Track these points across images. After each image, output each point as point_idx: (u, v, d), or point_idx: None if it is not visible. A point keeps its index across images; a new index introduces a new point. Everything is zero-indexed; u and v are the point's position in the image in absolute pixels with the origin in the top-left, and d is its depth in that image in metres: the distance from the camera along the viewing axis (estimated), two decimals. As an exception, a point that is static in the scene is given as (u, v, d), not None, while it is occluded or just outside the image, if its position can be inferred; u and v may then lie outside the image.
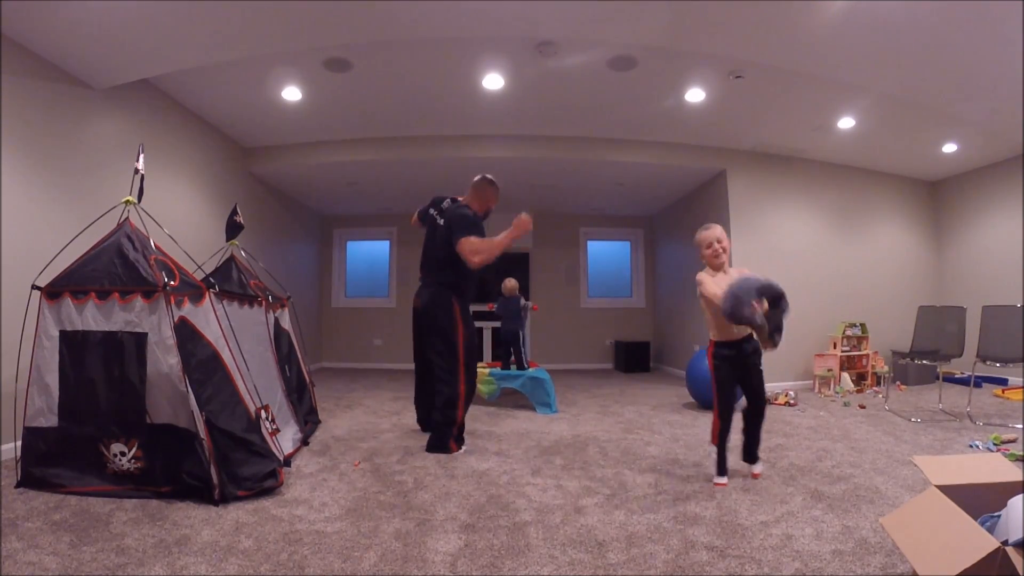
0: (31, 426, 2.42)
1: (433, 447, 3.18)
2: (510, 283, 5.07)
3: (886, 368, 5.52)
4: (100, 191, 3.49)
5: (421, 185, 6.32)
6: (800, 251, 5.86)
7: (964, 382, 5.26)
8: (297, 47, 3.49)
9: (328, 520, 2.14)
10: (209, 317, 2.63)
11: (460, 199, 3.47)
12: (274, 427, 2.81)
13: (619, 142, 5.55)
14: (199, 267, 3.17)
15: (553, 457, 3.10)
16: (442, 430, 3.19)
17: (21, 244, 3.00)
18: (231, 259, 3.61)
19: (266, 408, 2.78)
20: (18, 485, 2.40)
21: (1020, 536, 1.26)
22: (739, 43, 3.34)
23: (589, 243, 8.54)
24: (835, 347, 5.60)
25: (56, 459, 2.40)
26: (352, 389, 5.80)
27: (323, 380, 6.32)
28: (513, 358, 4.98)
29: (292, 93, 4.36)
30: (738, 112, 4.77)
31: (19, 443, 2.46)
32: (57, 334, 2.43)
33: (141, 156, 2.76)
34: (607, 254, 8.70)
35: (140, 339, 2.38)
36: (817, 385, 5.55)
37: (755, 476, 2.66)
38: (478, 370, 4.74)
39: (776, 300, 2.47)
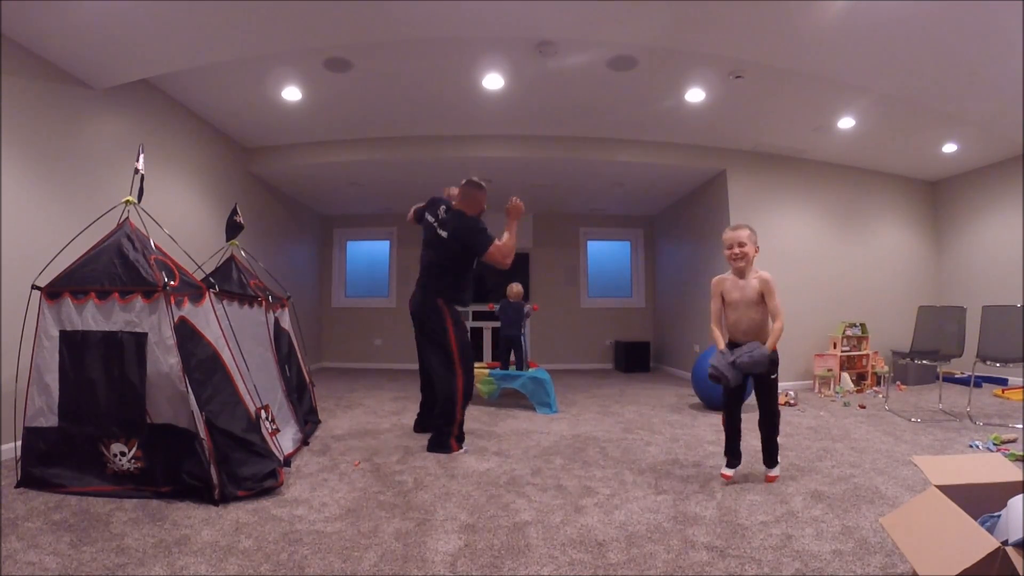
0: (31, 426, 2.42)
1: (434, 447, 3.19)
2: (515, 288, 5.09)
3: (886, 368, 5.53)
4: (100, 191, 3.48)
5: (421, 185, 6.32)
6: (800, 251, 5.86)
7: (964, 382, 5.26)
8: (297, 47, 3.49)
9: (328, 520, 2.14)
10: (209, 317, 2.63)
11: (453, 204, 3.47)
12: (274, 427, 2.81)
13: (619, 142, 5.55)
14: (199, 267, 3.17)
15: (553, 457, 3.10)
16: (442, 429, 3.21)
17: (21, 244, 3.00)
18: (231, 259, 3.61)
19: (266, 408, 2.78)
20: (18, 485, 2.40)
21: (1020, 536, 1.26)
22: (739, 43, 3.34)
23: (589, 243, 8.54)
24: (835, 347, 5.60)
25: (56, 459, 2.40)
26: (352, 389, 5.80)
27: (323, 380, 6.32)
28: (513, 359, 4.99)
29: (292, 93, 4.36)
30: (738, 112, 4.77)
31: (19, 443, 2.46)
32: (57, 334, 2.43)
33: (141, 156, 2.76)
34: (607, 254, 8.70)
35: (140, 339, 2.38)
36: (817, 385, 5.55)
37: (768, 480, 2.62)
38: (478, 370, 4.76)
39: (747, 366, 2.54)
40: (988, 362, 4.03)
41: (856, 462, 2.93)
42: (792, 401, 4.75)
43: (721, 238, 2.74)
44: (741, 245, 2.64)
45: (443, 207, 3.46)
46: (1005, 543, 1.27)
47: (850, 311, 5.86)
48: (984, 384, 5.56)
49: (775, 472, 2.64)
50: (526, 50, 3.72)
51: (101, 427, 2.37)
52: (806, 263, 5.85)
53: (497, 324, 5.53)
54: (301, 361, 3.93)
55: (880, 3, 2.83)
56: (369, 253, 8.52)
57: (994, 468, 1.70)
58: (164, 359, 2.37)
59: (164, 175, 4.22)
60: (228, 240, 3.71)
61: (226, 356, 2.62)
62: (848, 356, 5.58)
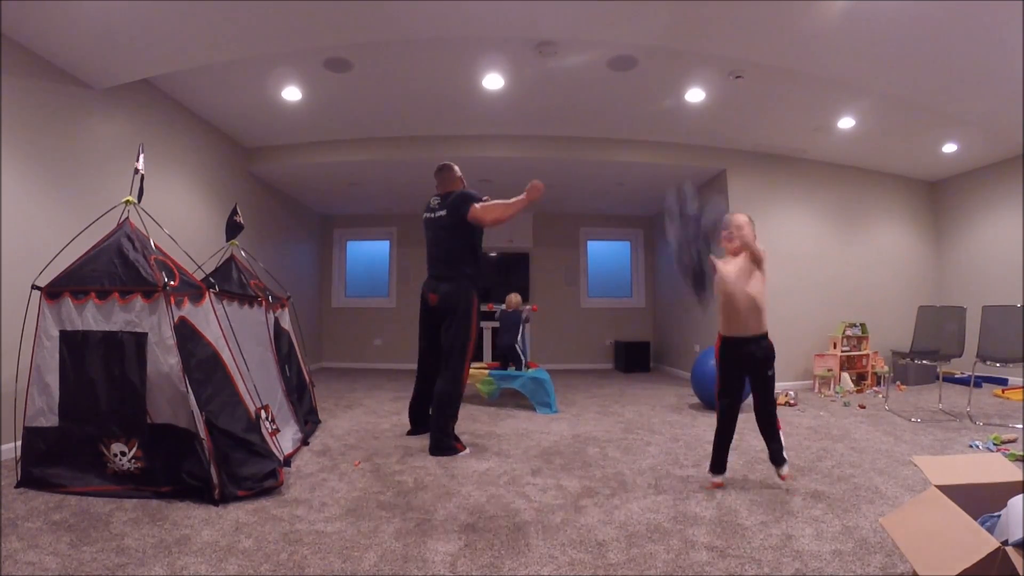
0: (31, 426, 2.42)
1: (437, 450, 3.14)
2: (514, 298, 5.11)
3: (886, 368, 5.52)
4: (100, 191, 3.48)
5: (421, 185, 6.29)
6: (800, 251, 5.86)
7: (964, 382, 5.26)
8: (297, 47, 3.49)
9: (328, 520, 2.14)
10: (209, 317, 2.63)
11: (439, 192, 3.52)
12: (274, 427, 2.81)
13: (619, 142, 5.55)
14: (199, 267, 3.17)
15: (553, 457, 3.10)
16: (444, 429, 3.18)
17: (21, 244, 3.00)
18: (231, 259, 3.62)
19: (266, 408, 2.78)
20: (18, 485, 2.40)
21: (1020, 536, 1.26)
22: (739, 43, 3.34)
23: (589, 243, 8.54)
24: (835, 347, 5.60)
25: (56, 459, 2.40)
26: (352, 389, 5.80)
27: (323, 380, 6.32)
28: (512, 364, 4.99)
29: (292, 93, 4.36)
30: (738, 112, 4.77)
31: (19, 443, 2.46)
32: (57, 334, 2.43)
33: (141, 156, 2.76)
34: (607, 254, 8.70)
35: (140, 339, 2.38)
36: (817, 385, 5.55)
37: (782, 478, 2.54)
38: (479, 370, 4.76)
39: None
40: (988, 362, 4.03)
41: (856, 462, 2.93)
42: (792, 401, 4.75)
43: (723, 224, 2.70)
44: (739, 227, 2.63)
45: (434, 198, 3.52)
46: (1005, 543, 1.27)
47: (850, 311, 5.86)
48: (984, 384, 5.56)
49: (786, 470, 2.54)
50: (526, 50, 3.72)
51: (101, 427, 2.38)
52: (806, 263, 5.85)
53: (497, 324, 5.53)
54: (301, 361, 3.93)
55: (880, 3, 2.83)
56: (369, 253, 8.52)
57: (994, 468, 1.70)
58: (164, 359, 2.37)
59: (164, 175, 4.22)
60: (228, 240, 3.71)
61: (226, 356, 2.62)
62: (848, 356, 5.58)
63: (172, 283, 2.46)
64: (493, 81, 4.20)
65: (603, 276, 8.63)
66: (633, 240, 8.64)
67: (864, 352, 5.65)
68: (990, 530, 1.37)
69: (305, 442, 3.31)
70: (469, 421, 4.08)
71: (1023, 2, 2.77)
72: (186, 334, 2.44)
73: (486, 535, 2.01)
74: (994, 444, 3.27)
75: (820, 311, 5.82)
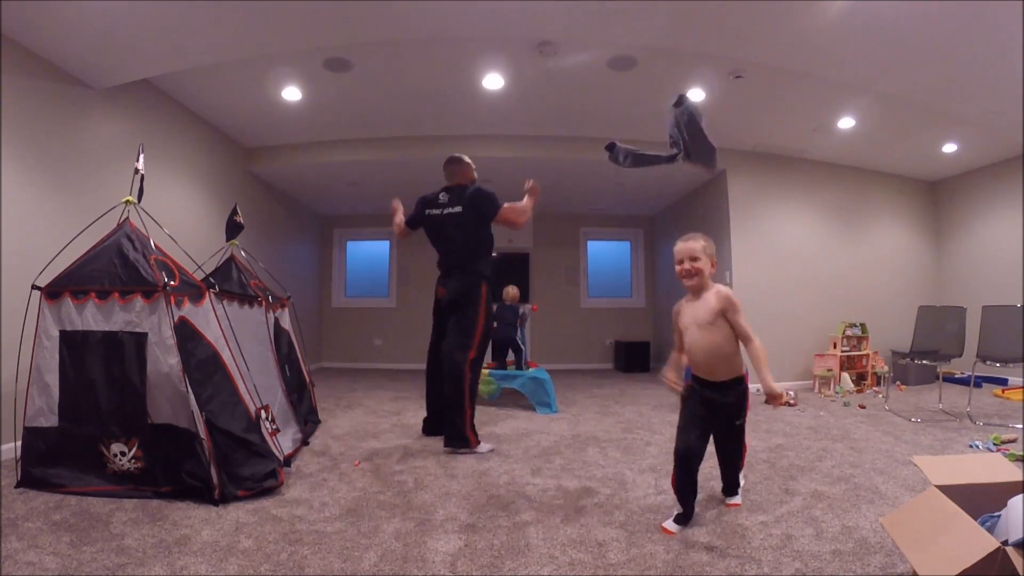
0: (31, 426, 2.42)
1: (451, 442, 3.14)
2: (511, 291, 5.10)
3: (886, 368, 5.52)
4: (100, 191, 3.48)
5: (421, 185, 6.28)
6: (800, 251, 5.86)
7: (964, 382, 5.26)
8: (297, 47, 3.49)
9: (328, 520, 2.14)
10: (209, 317, 2.63)
11: (448, 184, 3.49)
12: (274, 427, 2.81)
13: (619, 142, 5.54)
14: (199, 267, 3.17)
15: (553, 457, 3.10)
16: (458, 422, 3.14)
17: (21, 244, 3.00)
18: (231, 259, 3.62)
19: (266, 408, 2.78)
20: (18, 485, 2.40)
21: (1020, 536, 1.26)
22: (739, 43, 3.34)
23: (589, 243, 8.54)
24: (835, 347, 5.60)
25: (56, 459, 2.40)
26: (352, 389, 5.80)
27: (323, 380, 6.32)
28: (511, 359, 4.99)
29: (292, 93, 4.36)
30: (738, 112, 4.77)
31: (19, 443, 2.46)
32: (57, 334, 2.43)
33: (141, 156, 2.76)
34: (607, 254, 8.70)
35: (140, 339, 2.38)
36: (817, 385, 5.55)
37: (728, 507, 2.28)
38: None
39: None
40: (988, 362, 4.03)
41: (856, 462, 2.93)
42: (792, 401, 4.75)
43: (677, 245, 2.21)
44: (694, 259, 2.13)
45: (441, 193, 3.46)
46: (1005, 543, 1.27)
47: (850, 311, 5.86)
48: (984, 384, 5.56)
49: (736, 499, 2.30)
50: (526, 50, 3.72)
51: (101, 427, 2.37)
52: (806, 263, 5.85)
53: (496, 323, 5.53)
54: (301, 361, 3.93)
55: (880, 3, 2.83)
56: (369, 253, 8.52)
57: (994, 468, 1.70)
58: (164, 359, 2.37)
59: (164, 175, 4.22)
60: (228, 240, 3.71)
61: (226, 356, 2.62)
62: (848, 356, 5.57)
63: (172, 283, 2.46)
64: (493, 81, 4.20)
65: (603, 276, 8.63)
66: (633, 240, 8.64)
67: (864, 352, 5.65)
68: (990, 530, 1.37)
69: (305, 442, 3.31)
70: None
71: (1023, 2, 2.77)
72: (186, 334, 2.44)
73: (486, 535, 2.01)
74: (994, 444, 3.27)
75: (820, 311, 5.82)
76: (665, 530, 2.06)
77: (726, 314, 2.06)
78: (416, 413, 4.19)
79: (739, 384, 2.13)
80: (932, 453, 3.14)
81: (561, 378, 6.57)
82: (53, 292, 2.45)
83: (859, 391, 5.41)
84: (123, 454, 2.37)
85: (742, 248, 5.69)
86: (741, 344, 2.07)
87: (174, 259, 2.70)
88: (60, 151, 3.33)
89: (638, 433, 3.70)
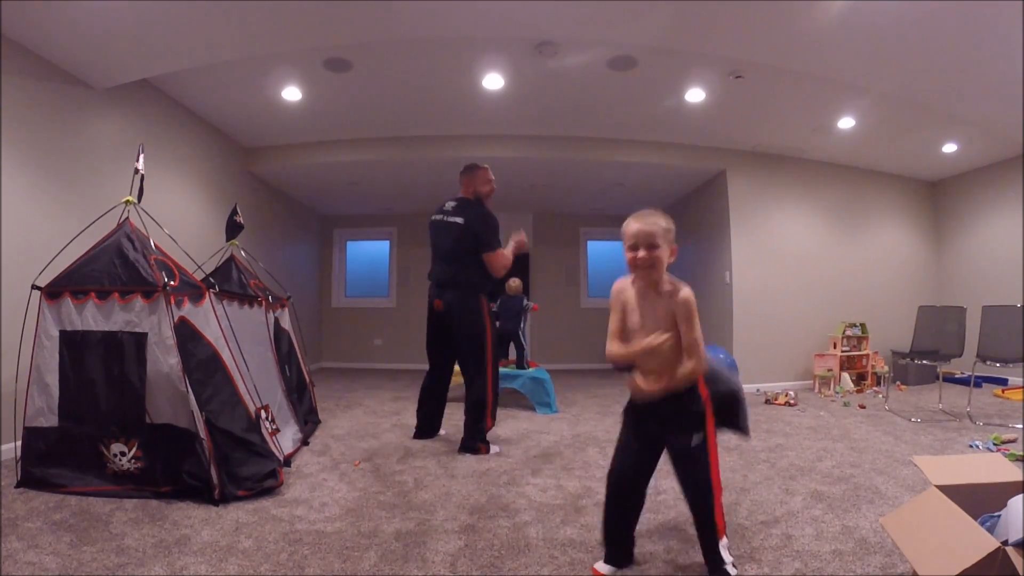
0: (31, 426, 2.42)
1: (465, 448, 3.18)
2: (514, 283, 5.08)
3: (886, 368, 5.52)
4: (100, 191, 3.49)
5: (421, 185, 6.33)
6: (800, 251, 5.86)
7: (964, 382, 5.26)
8: (297, 47, 3.49)
9: (328, 520, 2.14)
10: (209, 317, 2.63)
11: (462, 195, 3.38)
12: (274, 427, 2.81)
13: (619, 142, 5.54)
14: (199, 267, 3.17)
15: (553, 457, 3.10)
16: (473, 431, 3.18)
17: (21, 244, 3.00)
18: (231, 259, 3.62)
19: (266, 408, 2.78)
20: (18, 485, 2.40)
21: (1020, 536, 1.26)
22: (739, 43, 3.34)
23: (589, 243, 8.54)
24: (835, 347, 5.60)
25: (56, 459, 2.40)
26: (352, 389, 5.80)
27: (323, 380, 6.32)
28: (513, 356, 4.98)
29: (292, 93, 4.36)
30: (738, 112, 4.77)
31: (19, 443, 2.46)
32: (57, 334, 2.43)
33: (141, 156, 2.76)
34: (607, 254, 8.69)
35: (140, 339, 2.38)
36: (817, 385, 5.55)
37: None
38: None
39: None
40: (988, 362, 4.03)
41: (856, 462, 2.93)
42: (792, 401, 4.75)
43: (629, 225, 1.69)
44: (651, 246, 1.63)
45: (450, 202, 3.37)
46: (1005, 543, 1.27)
47: (850, 311, 5.86)
48: (984, 384, 5.56)
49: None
50: (526, 50, 3.72)
51: (101, 427, 2.38)
52: (806, 263, 5.85)
53: (497, 324, 5.53)
54: (301, 361, 3.93)
55: (880, 3, 2.83)
56: (369, 253, 8.52)
57: (994, 468, 1.70)
58: (164, 359, 2.37)
59: (164, 175, 4.22)
60: (228, 240, 3.71)
61: (226, 356, 2.62)
62: (848, 356, 5.58)
63: (172, 283, 2.46)
64: (493, 81, 4.20)
65: (603, 276, 8.62)
66: (633, 240, 8.62)
67: (864, 352, 5.65)
68: (990, 530, 1.37)
69: (305, 442, 3.31)
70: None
71: (1023, 2, 2.77)
72: (186, 334, 2.44)
73: (486, 535, 2.01)
74: (994, 444, 3.27)
75: (820, 311, 5.82)
76: (595, 571, 1.72)
77: (678, 321, 1.63)
78: (415, 413, 4.18)
79: (693, 393, 1.67)
80: (932, 453, 3.14)
81: (561, 378, 6.57)
82: (53, 292, 2.45)
83: (859, 391, 5.41)
84: (123, 454, 2.37)
85: (742, 248, 5.69)
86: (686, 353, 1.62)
87: (174, 259, 2.70)
88: (60, 151, 3.33)
89: (638, 433, 3.70)
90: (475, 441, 3.17)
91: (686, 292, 1.66)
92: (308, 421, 3.68)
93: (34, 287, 2.49)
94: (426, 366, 3.53)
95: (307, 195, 7.10)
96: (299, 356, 3.91)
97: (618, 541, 1.78)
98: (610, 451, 3.19)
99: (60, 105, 3.34)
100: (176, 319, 2.41)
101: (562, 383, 6.13)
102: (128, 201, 2.72)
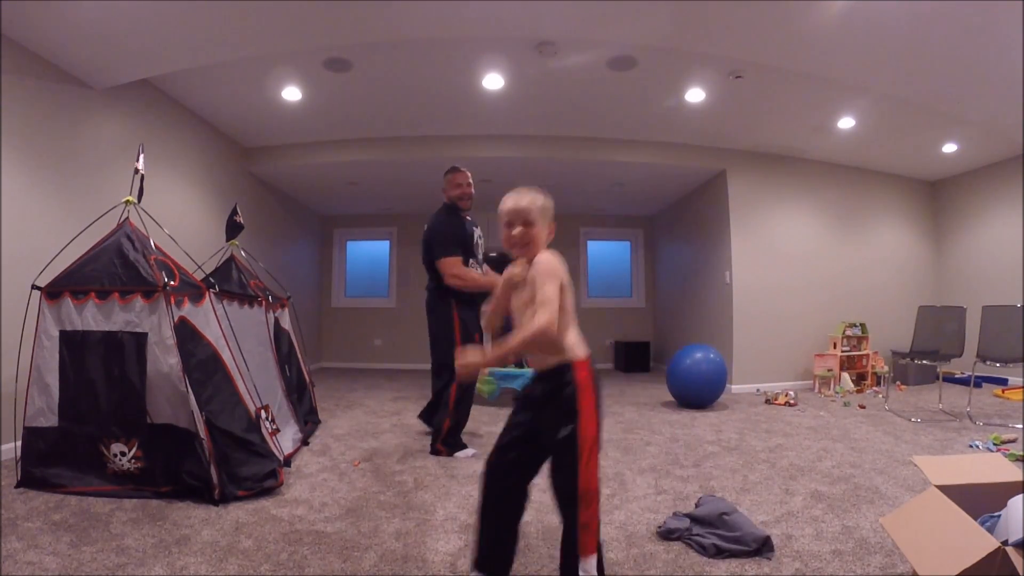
0: (31, 426, 2.42)
1: (432, 449, 3.19)
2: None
3: (886, 368, 5.52)
4: (100, 191, 3.49)
5: (421, 185, 6.32)
6: (800, 251, 5.86)
7: (964, 382, 5.26)
8: (297, 47, 3.49)
9: (328, 520, 2.14)
10: (209, 317, 2.63)
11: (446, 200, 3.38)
12: (274, 427, 2.81)
13: (619, 142, 5.55)
14: (199, 267, 3.17)
15: (553, 457, 3.10)
16: (435, 432, 3.21)
17: (21, 244, 3.00)
18: (231, 259, 3.61)
19: (266, 408, 2.78)
20: (18, 485, 2.40)
21: (1020, 536, 1.26)
22: (739, 43, 3.34)
23: (589, 243, 8.54)
24: (835, 347, 5.60)
25: (56, 459, 2.40)
26: (352, 389, 5.80)
27: (323, 380, 6.32)
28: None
29: (292, 93, 4.36)
30: (738, 112, 4.77)
31: (19, 443, 2.46)
32: (57, 334, 2.43)
33: (141, 156, 2.76)
34: (607, 254, 8.70)
35: (140, 339, 2.38)
36: (817, 385, 5.55)
37: None
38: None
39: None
40: (988, 362, 4.03)
41: (856, 462, 2.93)
42: (792, 401, 4.75)
43: (505, 203, 1.67)
44: (527, 223, 1.61)
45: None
46: (1005, 543, 1.27)
47: (850, 311, 5.86)
48: (984, 384, 5.56)
49: None
50: (526, 50, 3.71)
51: (101, 427, 2.38)
52: (806, 263, 5.85)
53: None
54: (301, 361, 3.93)
55: (880, 3, 2.83)
56: (369, 253, 8.52)
57: (994, 468, 1.70)
58: (164, 359, 2.37)
59: (164, 175, 4.22)
60: (228, 240, 3.71)
61: (226, 356, 2.62)
62: (848, 356, 5.58)
63: (172, 283, 2.46)
64: (493, 81, 4.20)
65: (603, 276, 8.63)
66: (633, 240, 8.63)
67: (864, 352, 5.65)
68: (990, 530, 1.37)
69: (305, 442, 3.31)
70: (469, 421, 4.07)
71: (1023, 2, 2.77)
72: (186, 334, 2.44)
73: (486, 535, 2.01)
74: (994, 444, 3.27)
75: (820, 311, 5.82)
76: None
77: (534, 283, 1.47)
78: (415, 413, 4.18)
79: (564, 374, 1.46)
80: (932, 453, 3.14)
81: (561, 378, 6.55)
82: (53, 292, 2.45)
83: (859, 391, 5.41)
84: (123, 454, 2.37)
85: (742, 248, 5.69)
86: (567, 316, 1.50)
87: (174, 259, 2.70)
88: (60, 151, 3.33)
89: (638, 433, 3.70)
90: (435, 442, 3.17)
91: (544, 255, 1.55)
92: (308, 421, 3.68)
93: (34, 287, 2.49)
94: (427, 366, 3.56)
95: (307, 195, 7.10)
96: (299, 356, 3.91)
97: (482, 547, 1.54)
98: (610, 451, 3.21)
99: (60, 105, 3.34)
100: (176, 319, 2.41)
101: (562, 383, 6.12)
102: (128, 201, 2.72)
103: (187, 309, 2.51)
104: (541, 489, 2.51)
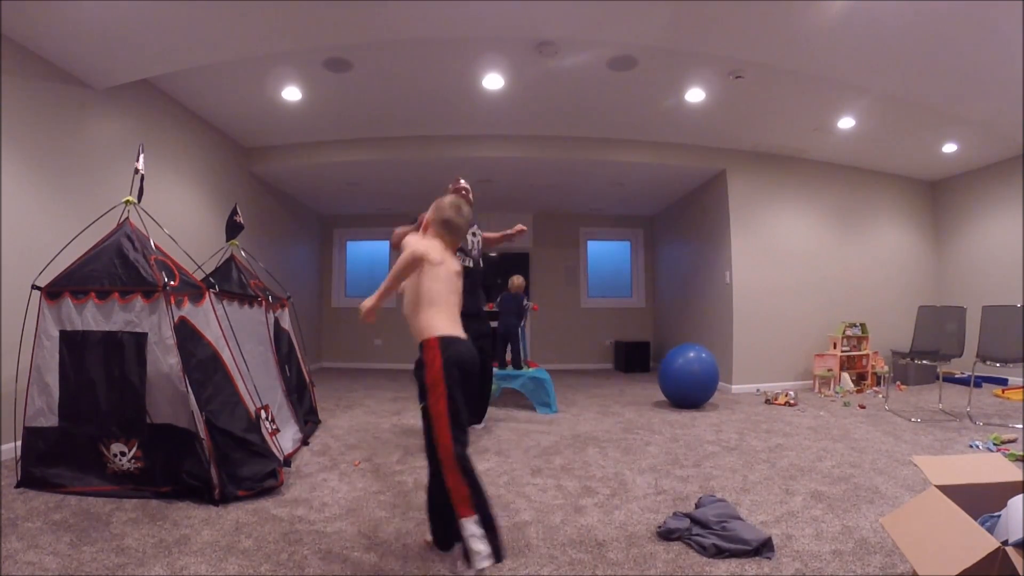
0: (31, 426, 2.42)
1: None
2: (517, 280, 5.03)
3: (886, 368, 5.52)
4: (100, 191, 3.48)
5: (421, 185, 6.32)
6: (800, 251, 5.86)
7: (964, 382, 5.26)
8: (297, 47, 3.49)
9: (328, 520, 2.14)
10: (209, 317, 2.63)
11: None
12: (274, 427, 2.81)
13: (619, 142, 5.55)
14: (199, 267, 3.17)
15: (553, 457, 3.10)
16: None
17: (21, 244, 3.00)
18: (231, 259, 3.61)
19: (266, 408, 2.78)
20: (18, 485, 2.40)
21: (1020, 536, 1.26)
22: (739, 43, 3.34)
23: (589, 243, 8.54)
24: (835, 347, 5.60)
25: (56, 459, 2.40)
26: (352, 389, 5.80)
27: (323, 380, 6.32)
28: (509, 356, 4.95)
29: (292, 93, 4.36)
30: (738, 112, 4.77)
31: (19, 443, 2.46)
32: (57, 334, 2.43)
33: (141, 156, 2.76)
34: (607, 254, 8.70)
35: (140, 339, 2.38)
36: (817, 385, 5.55)
37: None
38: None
39: None
40: (988, 362, 4.03)
41: (856, 462, 2.93)
42: (792, 401, 4.75)
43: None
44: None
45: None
46: (1005, 543, 1.27)
47: (850, 311, 5.86)
48: (984, 384, 5.56)
49: (482, 563, 1.57)
50: (526, 50, 3.72)
51: (101, 427, 2.38)
52: (806, 263, 5.85)
53: (496, 323, 5.51)
54: (301, 361, 3.93)
55: (880, 3, 2.83)
56: (369, 253, 8.52)
57: (994, 468, 1.70)
58: (164, 359, 2.37)
59: (164, 175, 4.22)
60: (228, 240, 3.71)
61: (226, 356, 2.62)
62: (848, 356, 5.57)
63: (172, 283, 2.46)
64: (493, 81, 4.20)
65: (603, 276, 8.63)
66: (633, 240, 8.63)
67: (864, 352, 5.65)
68: (990, 530, 1.37)
69: (305, 442, 3.31)
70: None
71: (1023, 2, 2.77)
72: (186, 334, 2.44)
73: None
74: (994, 444, 3.27)
75: (820, 311, 5.82)
76: (426, 540, 1.89)
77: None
78: (415, 413, 4.18)
79: (420, 352, 1.76)
80: (932, 453, 3.14)
81: (561, 378, 6.57)
82: (53, 292, 2.45)
83: (859, 391, 5.41)
84: (123, 454, 2.37)
85: (742, 248, 5.69)
86: (425, 298, 1.77)
87: (174, 259, 2.70)
88: (60, 151, 3.33)
89: (638, 433, 3.70)
90: None
91: (405, 247, 1.81)
92: (308, 421, 3.68)
93: (34, 287, 2.49)
94: None
95: (307, 195, 7.10)
96: (299, 356, 3.91)
97: (436, 525, 1.82)
98: (610, 451, 3.21)
99: (60, 105, 3.34)
100: (176, 319, 2.41)
101: (562, 383, 6.13)
102: (128, 201, 2.72)
103: (187, 309, 2.51)
104: (541, 489, 2.52)
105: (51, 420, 2.41)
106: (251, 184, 5.80)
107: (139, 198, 2.74)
